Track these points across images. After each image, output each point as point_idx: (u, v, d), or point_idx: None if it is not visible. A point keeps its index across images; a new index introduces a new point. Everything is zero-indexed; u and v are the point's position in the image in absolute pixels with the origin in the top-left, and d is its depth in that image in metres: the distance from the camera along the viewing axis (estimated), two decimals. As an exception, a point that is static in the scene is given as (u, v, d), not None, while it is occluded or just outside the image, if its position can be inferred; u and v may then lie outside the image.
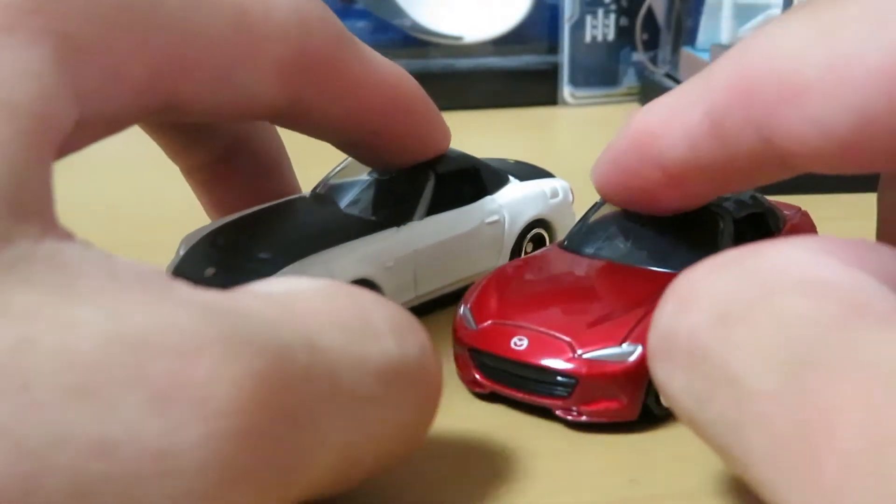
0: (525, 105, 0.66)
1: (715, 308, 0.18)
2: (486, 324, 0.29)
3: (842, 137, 0.20)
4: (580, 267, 0.31)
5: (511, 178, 0.38)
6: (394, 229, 0.33)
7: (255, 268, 0.29)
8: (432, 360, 0.21)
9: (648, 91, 0.66)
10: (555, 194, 0.38)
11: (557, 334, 0.28)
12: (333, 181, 0.36)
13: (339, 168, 0.37)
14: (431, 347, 0.22)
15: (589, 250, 0.32)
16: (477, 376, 0.29)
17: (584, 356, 0.27)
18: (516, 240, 0.37)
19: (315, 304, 0.19)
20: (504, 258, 0.36)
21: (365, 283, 0.31)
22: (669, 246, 0.30)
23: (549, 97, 0.67)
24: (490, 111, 0.65)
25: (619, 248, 0.31)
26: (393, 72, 0.32)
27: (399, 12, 0.65)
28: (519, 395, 0.28)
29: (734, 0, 0.59)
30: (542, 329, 0.28)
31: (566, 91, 0.67)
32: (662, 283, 0.28)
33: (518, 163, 0.41)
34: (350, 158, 0.37)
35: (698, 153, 0.25)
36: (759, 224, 0.32)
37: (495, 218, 0.36)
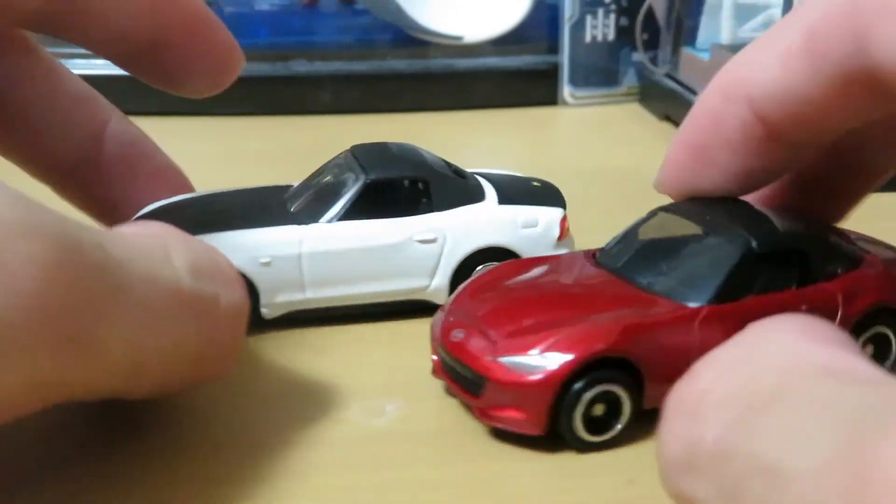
0: (525, 105, 0.66)
1: (734, 408, 0.17)
2: (450, 315, 0.29)
3: None
4: (585, 274, 0.31)
5: (490, 198, 0.35)
6: (293, 227, 0.33)
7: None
8: (230, 308, 0.25)
9: (648, 91, 0.66)
10: (529, 224, 0.35)
11: (492, 333, 0.27)
12: (326, 177, 0.36)
13: (333, 164, 0.37)
14: (237, 302, 0.26)
15: (604, 260, 0.31)
16: (433, 364, 0.30)
17: (498, 360, 0.27)
18: (462, 264, 0.34)
19: (126, 230, 0.25)
20: (442, 280, 0.34)
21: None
22: (668, 268, 0.29)
23: (549, 97, 0.67)
24: (490, 111, 0.65)
25: (622, 259, 0.31)
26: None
27: (399, 12, 0.65)
28: (452, 388, 0.28)
29: (734, 0, 0.59)
30: (481, 325, 0.28)
31: (566, 91, 0.67)
32: (634, 301, 0.28)
33: (542, 184, 0.38)
34: (342, 155, 0.37)
35: (793, 82, 0.24)
36: (796, 264, 0.30)
37: (430, 236, 0.34)
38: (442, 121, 0.63)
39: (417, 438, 0.28)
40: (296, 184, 0.36)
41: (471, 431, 0.28)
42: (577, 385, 0.26)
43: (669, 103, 0.62)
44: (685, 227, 0.30)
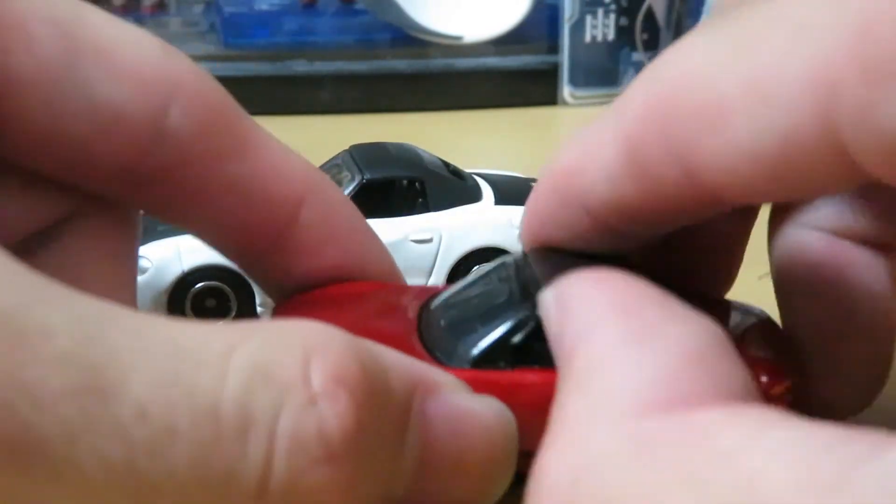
0: (525, 105, 0.66)
1: None
2: None
3: (772, 161, 0.18)
4: (393, 314, 0.27)
5: (486, 198, 0.35)
6: None
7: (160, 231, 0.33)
8: None
9: (648, 91, 0.66)
10: None
11: None
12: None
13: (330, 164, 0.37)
14: None
15: (426, 305, 0.28)
16: None
17: None
18: (457, 264, 0.34)
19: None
20: (437, 280, 0.34)
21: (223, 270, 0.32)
22: (456, 323, 0.26)
23: (549, 97, 0.67)
24: (490, 111, 0.65)
25: (433, 304, 0.27)
26: (306, 167, 0.27)
27: (399, 12, 0.65)
28: None
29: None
30: None
31: (566, 91, 0.67)
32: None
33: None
34: (340, 155, 0.37)
35: (620, 192, 0.22)
36: None
37: (426, 236, 0.34)
38: (442, 121, 0.63)
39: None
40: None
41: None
42: None
43: (669, 103, 0.62)
44: (508, 281, 0.27)
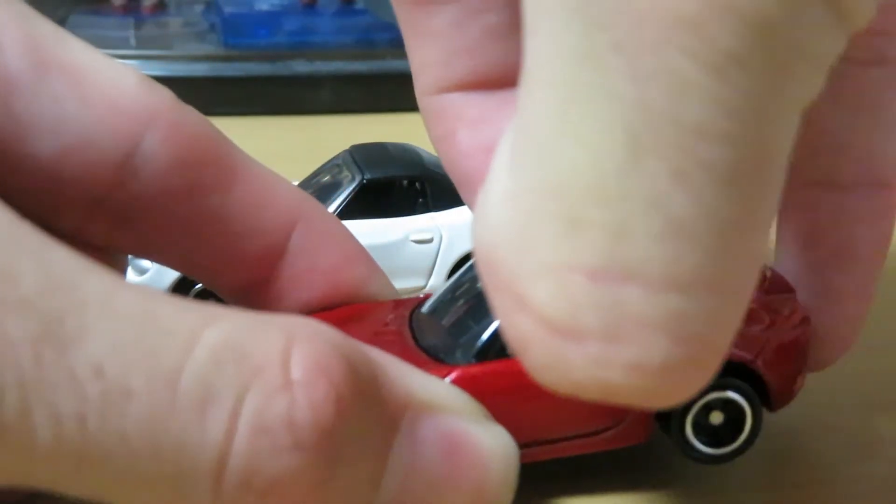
0: (525, 105, 0.66)
1: None
2: None
3: None
4: (386, 324, 0.27)
5: None
6: None
7: None
8: None
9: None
10: None
11: None
12: (324, 177, 0.36)
13: (329, 164, 0.37)
14: None
15: (417, 311, 0.28)
16: None
17: None
18: (458, 264, 0.34)
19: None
20: (438, 280, 0.34)
21: None
22: (454, 322, 0.26)
23: (550, 97, 0.67)
24: (490, 111, 0.65)
25: (427, 309, 0.28)
26: (294, 195, 0.27)
27: (399, 12, 0.65)
28: None
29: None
30: None
31: (566, 91, 0.67)
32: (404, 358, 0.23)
33: None
34: (340, 155, 0.37)
35: None
36: None
37: (427, 236, 0.34)
38: (442, 121, 0.63)
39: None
40: (295, 183, 0.36)
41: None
42: None
43: (670, 103, 0.62)
44: None
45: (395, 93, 0.65)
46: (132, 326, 0.16)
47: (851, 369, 0.30)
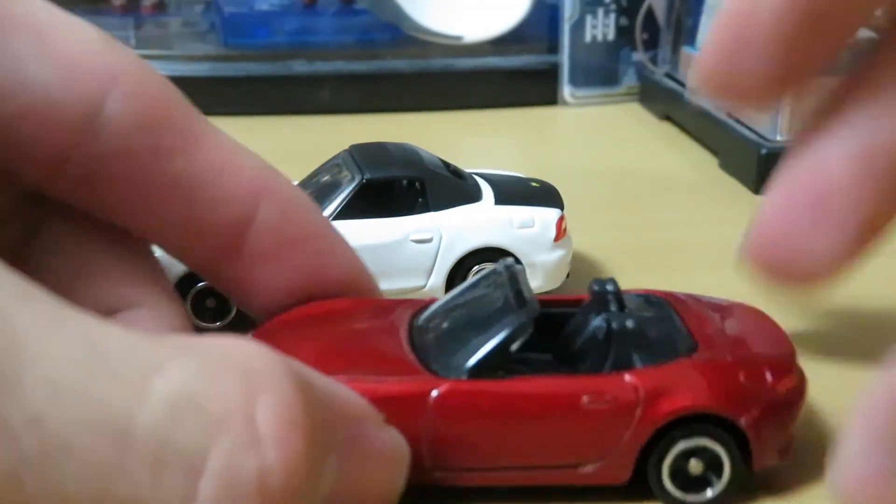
0: (525, 105, 0.66)
1: None
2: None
3: None
4: (383, 327, 0.27)
5: (486, 198, 0.35)
6: None
7: None
8: None
9: (648, 91, 0.66)
10: (525, 225, 0.35)
11: None
12: (324, 177, 0.36)
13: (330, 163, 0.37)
14: None
15: (418, 315, 0.28)
16: None
17: None
18: (457, 264, 0.34)
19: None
20: (437, 280, 0.34)
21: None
22: (449, 333, 0.26)
23: (549, 97, 0.67)
24: (490, 111, 0.65)
25: (426, 314, 0.27)
26: (261, 166, 0.26)
27: (399, 12, 0.65)
28: None
29: None
30: None
31: (566, 91, 0.67)
32: (395, 365, 0.25)
33: (541, 185, 0.38)
34: (340, 155, 0.37)
35: None
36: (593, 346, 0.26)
37: (426, 236, 0.34)
38: (442, 121, 0.63)
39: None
40: (295, 183, 0.36)
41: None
42: None
43: (669, 103, 0.62)
44: (502, 287, 0.27)
45: (395, 93, 0.65)
46: (75, 368, 0.14)
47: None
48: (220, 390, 0.16)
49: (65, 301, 0.15)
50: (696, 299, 0.29)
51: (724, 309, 0.29)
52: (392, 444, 0.21)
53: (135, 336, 0.16)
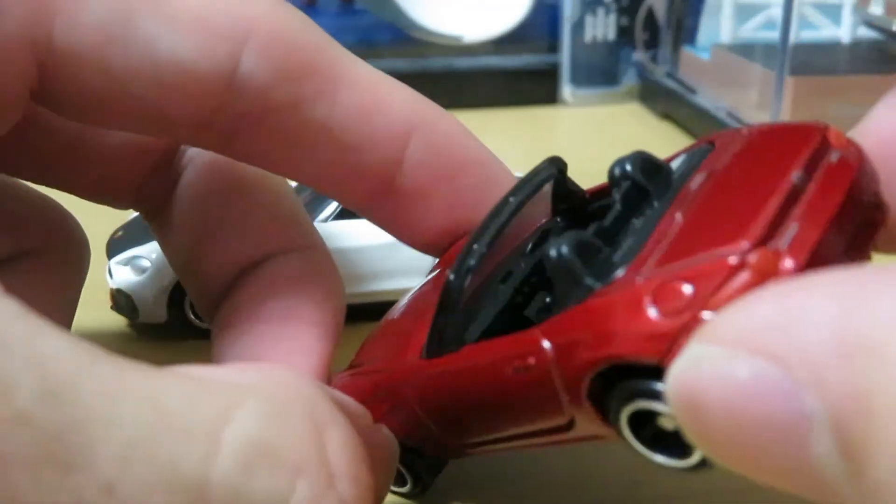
0: (525, 105, 0.66)
1: None
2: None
3: None
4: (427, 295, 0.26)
5: None
6: None
7: None
8: None
9: (648, 90, 0.66)
10: None
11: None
12: None
13: None
14: None
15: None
16: None
17: None
18: None
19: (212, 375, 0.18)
20: None
21: None
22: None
23: (549, 97, 0.67)
24: (490, 111, 0.65)
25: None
26: (410, 101, 0.26)
27: (399, 12, 0.64)
28: None
29: (734, -1, 0.59)
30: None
31: (566, 91, 0.67)
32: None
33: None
34: None
35: None
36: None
37: None
38: (442, 121, 0.63)
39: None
40: (293, 185, 0.36)
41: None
42: None
43: (669, 103, 0.62)
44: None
45: (395, 93, 0.65)
46: (143, 430, 0.14)
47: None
48: (293, 434, 0.15)
49: (122, 359, 0.15)
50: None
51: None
52: (388, 439, 0.22)
53: (194, 385, 0.15)
